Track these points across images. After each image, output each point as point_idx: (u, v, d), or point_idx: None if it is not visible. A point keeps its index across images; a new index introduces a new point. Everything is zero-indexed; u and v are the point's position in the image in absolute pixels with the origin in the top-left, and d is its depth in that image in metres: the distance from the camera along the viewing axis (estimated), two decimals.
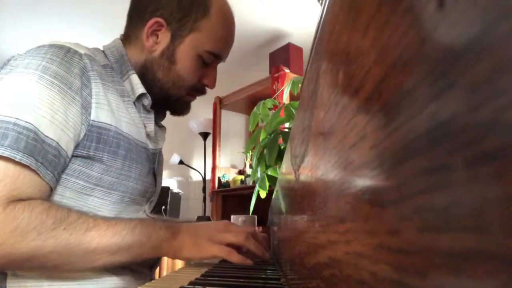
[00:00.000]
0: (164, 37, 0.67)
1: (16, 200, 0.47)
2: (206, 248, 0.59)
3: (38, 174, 0.49)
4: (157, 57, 0.68)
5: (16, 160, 0.47)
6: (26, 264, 0.48)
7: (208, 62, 0.70)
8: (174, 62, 0.68)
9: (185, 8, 0.67)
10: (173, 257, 0.60)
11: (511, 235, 0.06)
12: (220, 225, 0.65)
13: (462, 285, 0.07)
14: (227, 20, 0.71)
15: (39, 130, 0.50)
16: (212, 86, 0.74)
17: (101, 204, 0.59)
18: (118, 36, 0.73)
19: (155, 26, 0.67)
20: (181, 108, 0.75)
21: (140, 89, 0.67)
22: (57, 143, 0.52)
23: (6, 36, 2.46)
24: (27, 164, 0.47)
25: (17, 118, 0.48)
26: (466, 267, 0.07)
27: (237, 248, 0.62)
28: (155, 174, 0.73)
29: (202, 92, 0.75)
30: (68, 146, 0.54)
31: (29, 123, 0.49)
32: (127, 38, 0.72)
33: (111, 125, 0.60)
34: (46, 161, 0.50)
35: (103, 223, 0.53)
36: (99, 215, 0.56)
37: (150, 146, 0.70)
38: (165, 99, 0.71)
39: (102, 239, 0.51)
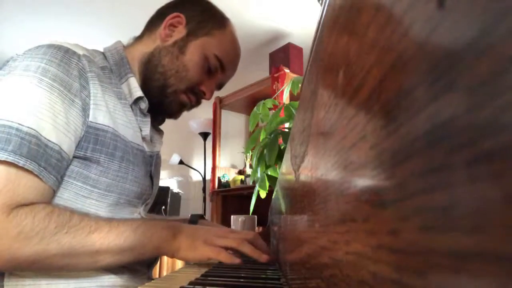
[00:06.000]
0: (179, 33, 0.72)
1: (19, 205, 0.48)
2: (200, 250, 0.61)
3: (41, 179, 0.50)
4: (168, 45, 0.71)
5: (20, 165, 0.47)
6: (32, 267, 0.49)
7: (213, 70, 0.73)
8: (184, 53, 0.70)
9: (205, 17, 0.73)
10: (172, 256, 0.61)
11: (511, 235, 0.06)
12: (220, 231, 0.66)
13: (462, 285, 0.07)
14: (236, 44, 0.77)
15: (41, 135, 0.50)
16: (209, 95, 0.75)
17: (98, 206, 0.59)
18: (120, 36, 0.75)
19: (175, 20, 0.72)
20: (173, 107, 0.73)
21: (137, 92, 0.68)
22: (60, 146, 0.52)
23: (6, 36, 2.46)
24: (30, 169, 0.48)
25: (20, 124, 0.49)
26: (466, 267, 0.07)
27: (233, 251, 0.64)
28: (152, 177, 0.73)
29: (197, 98, 0.75)
30: (69, 149, 0.55)
31: (31, 128, 0.49)
32: (138, 38, 0.75)
33: (108, 126, 0.60)
34: (49, 165, 0.51)
35: (106, 224, 0.54)
36: (101, 217, 0.56)
37: (147, 149, 0.71)
38: (162, 89, 0.70)
39: (105, 241, 0.52)
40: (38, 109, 0.51)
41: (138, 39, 0.75)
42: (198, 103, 0.77)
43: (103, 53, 0.69)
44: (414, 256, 0.09)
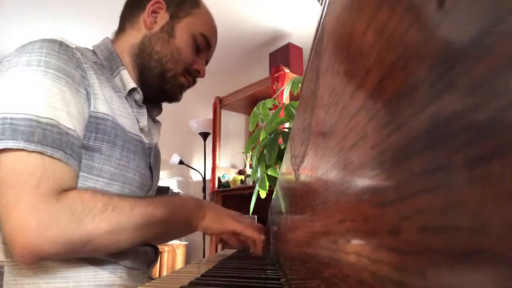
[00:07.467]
0: (162, 18, 0.73)
1: (63, 190, 0.50)
2: (227, 223, 0.68)
3: (69, 165, 0.52)
4: (157, 31, 0.72)
5: (48, 154, 0.49)
6: (84, 249, 0.51)
7: (201, 47, 0.75)
8: (173, 36, 0.72)
9: None
10: (195, 226, 0.67)
11: (511, 235, 0.06)
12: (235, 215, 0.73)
13: (462, 285, 0.07)
14: (213, 18, 0.79)
15: (60, 124, 0.52)
16: (203, 73, 0.78)
17: None
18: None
19: (155, 6, 0.73)
20: (174, 91, 0.75)
21: (130, 84, 0.68)
22: (77, 133, 0.54)
23: (6, 36, 2.46)
24: (57, 157, 0.50)
25: (38, 116, 0.50)
26: (466, 267, 0.07)
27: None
28: (151, 169, 0.74)
29: (193, 78, 0.78)
30: (82, 136, 0.57)
31: (50, 118, 0.51)
32: (120, 31, 0.75)
33: (108, 115, 0.61)
34: (73, 152, 0.53)
35: (141, 200, 0.58)
36: (133, 195, 0.61)
37: (145, 140, 0.72)
38: (161, 76, 0.72)
39: (146, 214, 0.56)
40: (51, 99, 0.52)
41: (121, 32, 0.75)
42: (194, 82, 0.80)
43: (92, 51, 0.70)
44: (414, 256, 0.09)
